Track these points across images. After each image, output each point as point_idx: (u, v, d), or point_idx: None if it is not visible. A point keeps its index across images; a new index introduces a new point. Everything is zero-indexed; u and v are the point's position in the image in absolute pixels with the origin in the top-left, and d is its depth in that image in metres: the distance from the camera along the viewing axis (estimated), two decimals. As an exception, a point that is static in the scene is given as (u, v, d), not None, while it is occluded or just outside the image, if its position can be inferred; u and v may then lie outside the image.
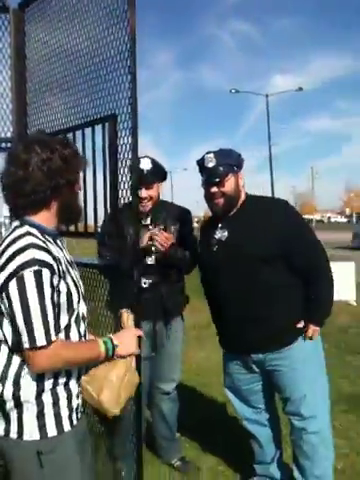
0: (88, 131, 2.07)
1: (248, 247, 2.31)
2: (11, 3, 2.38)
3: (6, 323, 1.46)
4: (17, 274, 1.36)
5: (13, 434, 1.49)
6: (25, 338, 1.39)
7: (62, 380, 1.53)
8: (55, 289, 1.44)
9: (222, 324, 2.54)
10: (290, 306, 2.37)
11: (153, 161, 2.70)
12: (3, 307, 1.43)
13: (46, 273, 1.40)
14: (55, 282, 1.44)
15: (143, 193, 2.63)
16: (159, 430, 3.00)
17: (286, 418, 2.52)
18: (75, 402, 1.58)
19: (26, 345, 1.40)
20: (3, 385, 1.48)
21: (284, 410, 2.48)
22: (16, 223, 1.52)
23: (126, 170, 1.92)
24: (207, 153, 2.39)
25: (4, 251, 1.43)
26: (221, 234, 2.41)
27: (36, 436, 1.48)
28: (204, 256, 2.53)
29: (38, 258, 1.39)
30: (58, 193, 1.51)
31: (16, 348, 1.46)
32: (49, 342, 1.41)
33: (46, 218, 1.53)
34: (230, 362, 2.57)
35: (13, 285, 1.37)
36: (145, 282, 2.68)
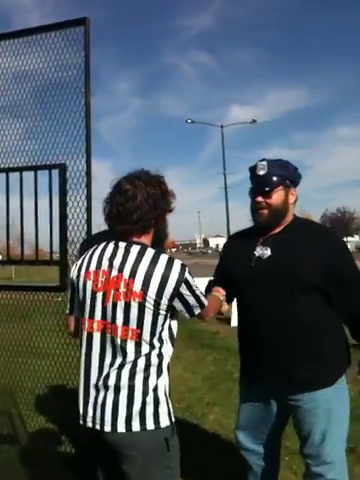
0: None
1: (292, 270, 2.08)
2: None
3: (147, 321, 1.74)
4: (185, 267, 1.78)
5: (150, 426, 1.74)
6: (197, 308, 1.85)
7: (167, 379, 1.83)
8: None
9: (251, 350, 2.26)
10: (331, 345, 2.15)
11: None
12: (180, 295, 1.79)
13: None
14: None
15: None
16: None
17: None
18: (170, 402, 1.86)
19: (198, 310, 1.86)
20: (136, 384, 1.74)
21: (301, 451, 2.22)
22: (136, 247, 1.79)
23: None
24: (261, 160, 2.20)
25: (153, 266, 1.75)
26: (262, 251, 2.18)
27: (167, 422, 1.79)
28: (238, 270, 2.27)
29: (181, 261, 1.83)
30: (157, 221, 1.84)
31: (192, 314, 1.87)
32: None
33: (146, 240, 1.84)
34: (248, 393, 2.34)
35: (187, 274, 1.78)
36: None
